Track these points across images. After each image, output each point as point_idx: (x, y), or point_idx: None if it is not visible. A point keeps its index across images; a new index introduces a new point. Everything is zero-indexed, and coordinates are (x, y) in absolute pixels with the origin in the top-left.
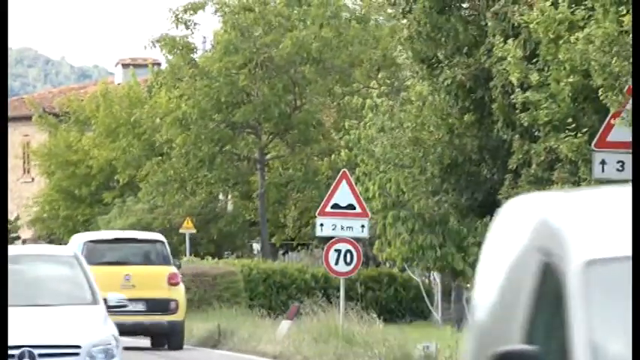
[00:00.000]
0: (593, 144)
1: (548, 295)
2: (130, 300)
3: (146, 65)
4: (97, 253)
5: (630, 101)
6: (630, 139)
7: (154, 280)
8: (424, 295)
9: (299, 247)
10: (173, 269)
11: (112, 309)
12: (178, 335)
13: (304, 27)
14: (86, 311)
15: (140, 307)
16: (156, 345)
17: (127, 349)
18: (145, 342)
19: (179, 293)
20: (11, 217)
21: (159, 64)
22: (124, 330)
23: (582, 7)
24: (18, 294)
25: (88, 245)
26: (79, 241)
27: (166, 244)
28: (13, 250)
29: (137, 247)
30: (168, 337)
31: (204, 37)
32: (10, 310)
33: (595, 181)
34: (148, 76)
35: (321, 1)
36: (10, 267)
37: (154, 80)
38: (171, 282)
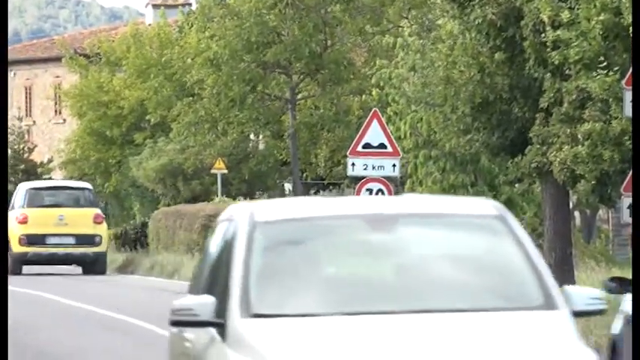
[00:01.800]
0: (623, 82)
1: None
2: (63, 235)
3: (177, 6)
4: (38, 198)
5: None
6: None
7: (82, 219)
8: None
9: (330, 187)
10: (98, 211)
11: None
12: (103, 264)
13: None
14: (540, 323)
15: (71, 240)
16: (86, 272)
17: (61, 275)
18: (77, 270)
19: (102, 230)
20: (43, 158)
21: (190, 5)
22: (57, 259)
23: None
24: (388, 290)
25: (30, 192)
26: (23, 188)
27: (92, 190)
28: (362, 205)
29: (69, 193)
30: (94, 265)
31: None
32: (370, 320)
33: (626, 119)
34: (179, 16)
35: None
36: (364, 237)
37: (184, 21)
38: (96, 221)
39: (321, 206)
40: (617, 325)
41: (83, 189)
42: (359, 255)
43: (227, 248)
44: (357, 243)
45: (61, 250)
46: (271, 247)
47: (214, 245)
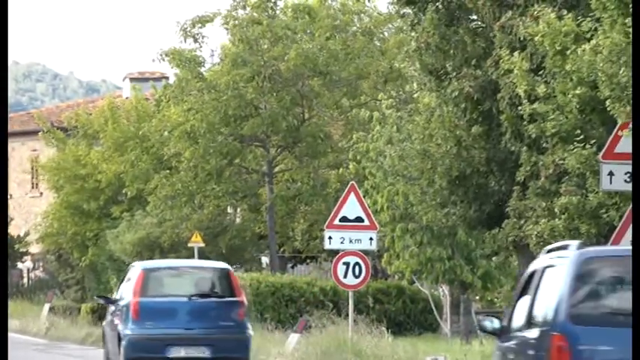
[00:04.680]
0: (600, 155)
1: None
2: None
3: (154, 79)
4: None
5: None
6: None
7: None
8: (433, 307)
9: (308, 260)
10: None
11: None
12: None
13: (311, 39)
14: None
15: None
16: None
17: None
18: None
19: None
20: (20, 232)
21: (167, 78)
22: None
23: (588, 19)
24: None
25: None
26: None
27: None
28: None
29: None
30: None
31: (212, 51)
32: None
33: (603, 193)
34: (156, 90)
35: (327, 13)
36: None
37: (161, 94)
38: None
39: None
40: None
41: None
42: None
43: None
44: None
45: None
46: None
47: None
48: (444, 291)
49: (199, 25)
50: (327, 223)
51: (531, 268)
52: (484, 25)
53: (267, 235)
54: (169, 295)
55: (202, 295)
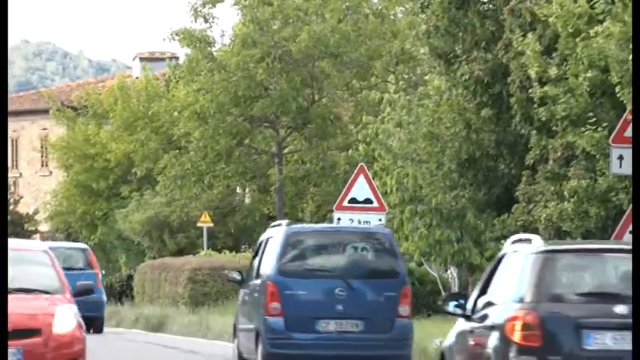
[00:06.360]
0: (610, 139)
1: None
2: None
3: (164, 59)
4: None
5: None
6: None
7: None
8: (441, 289)
9: None
10: None
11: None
12: None
13: (322, 21)
14: None
15: None
16: None
17: None
18: None
19: None
20: (29, 210)
21: (177, 58)
22: None
23: (602, 1)
24: None
25: None
26: None
27: None
28: None
29: None
30: None
31: (223, 31)
32: None
33: (613, 176)
34: (166, 69)
35: None
36: None
37: (171, 74)
38: None
39: None
40: None
41: None
42: None
43: None
44: None
45: None
46: None
47: None
48: (452, 273)
49: (210, 5)
50: (336, 204)
51: (261, 238)
52: (494, 8)
53: (276, 215)
54: None
55: (67, 269)
